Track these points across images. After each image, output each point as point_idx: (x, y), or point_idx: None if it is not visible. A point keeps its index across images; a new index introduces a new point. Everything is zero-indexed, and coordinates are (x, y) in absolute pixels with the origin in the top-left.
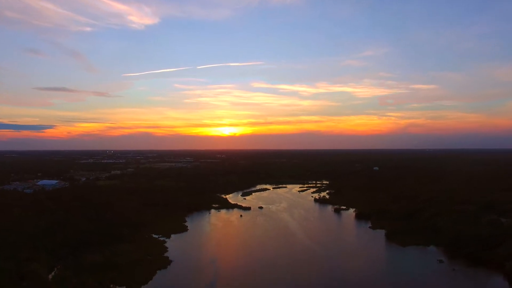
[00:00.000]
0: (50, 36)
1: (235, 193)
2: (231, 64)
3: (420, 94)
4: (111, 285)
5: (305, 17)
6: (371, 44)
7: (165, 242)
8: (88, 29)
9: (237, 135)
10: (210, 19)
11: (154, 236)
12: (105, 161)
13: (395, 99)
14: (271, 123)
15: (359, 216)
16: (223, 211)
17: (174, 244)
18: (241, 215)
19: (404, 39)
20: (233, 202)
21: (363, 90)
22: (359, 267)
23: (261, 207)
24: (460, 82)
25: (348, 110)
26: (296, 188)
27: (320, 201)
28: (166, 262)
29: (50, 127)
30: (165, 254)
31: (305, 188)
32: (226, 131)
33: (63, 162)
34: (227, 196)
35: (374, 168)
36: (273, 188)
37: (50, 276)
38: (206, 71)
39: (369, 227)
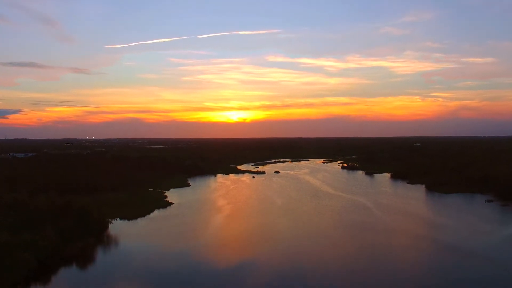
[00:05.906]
0: None
1: (246, 164)
2: (241, 32)
3: (474, 70)
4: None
5: None
6: (414, 8)
7: (164, 193)
8: None
9: (247, 120)
10: None
11: (151, 190)
12: (86, 144)
13: (443, 76)
14: (289, 106)
15: (395, 176)
16: (231, 174)
17: (174, 194)
18: (253, 176)
19: (454, 1)
20: (243, 169)
21: (404, 65)
22: (396, 207)
23: (277, 172)
24: None
25: (385, 89)
26: (319, 161)
27: (349, 168)
28: (165, 204)
29: (16, 111)
30: (165, 199)
31: (330, 161)
32: (233, 116)
33: (33, 145)
34: (237, 166)
35: (416, 144)
36: (292, 161)
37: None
38: (210, 42)
39: (407, 183)
